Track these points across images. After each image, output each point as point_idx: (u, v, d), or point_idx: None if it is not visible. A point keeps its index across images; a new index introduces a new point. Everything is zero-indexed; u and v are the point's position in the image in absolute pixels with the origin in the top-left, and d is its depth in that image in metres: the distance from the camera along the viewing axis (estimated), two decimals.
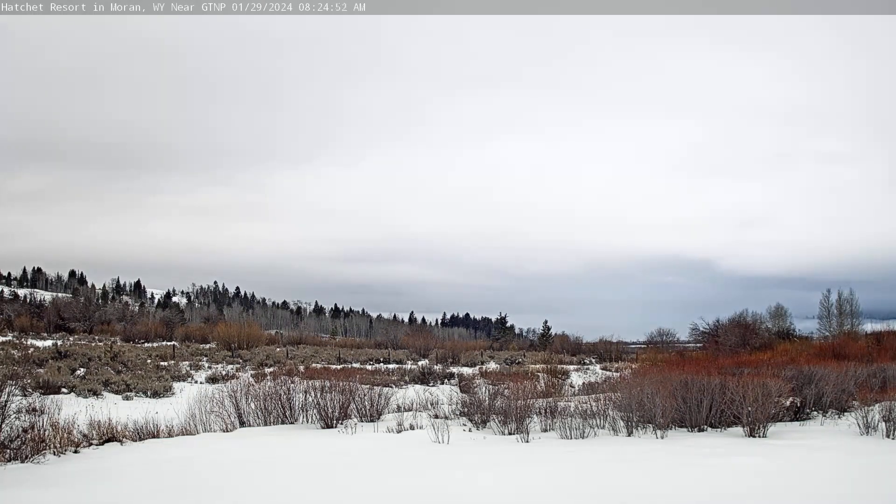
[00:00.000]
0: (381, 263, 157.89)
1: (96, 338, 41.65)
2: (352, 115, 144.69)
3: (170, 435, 12.08)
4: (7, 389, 9.89)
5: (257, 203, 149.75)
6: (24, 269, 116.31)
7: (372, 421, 13.32)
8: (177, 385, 23.43)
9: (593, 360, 40.81)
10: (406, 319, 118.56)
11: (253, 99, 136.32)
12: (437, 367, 31.45)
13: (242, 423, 13.29)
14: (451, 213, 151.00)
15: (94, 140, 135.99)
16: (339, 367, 27.82)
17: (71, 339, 39.31)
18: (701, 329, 43.60)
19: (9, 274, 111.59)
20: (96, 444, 10.66)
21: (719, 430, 11.92)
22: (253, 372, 27.30)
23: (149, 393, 21.48)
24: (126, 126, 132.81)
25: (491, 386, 17.10)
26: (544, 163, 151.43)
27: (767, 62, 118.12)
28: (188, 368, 28.48)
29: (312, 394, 13.31)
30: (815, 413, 14.05)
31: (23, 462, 8.97)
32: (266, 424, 13.26)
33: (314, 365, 30.01)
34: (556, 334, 54.93)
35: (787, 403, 13.21)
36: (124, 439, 11.16)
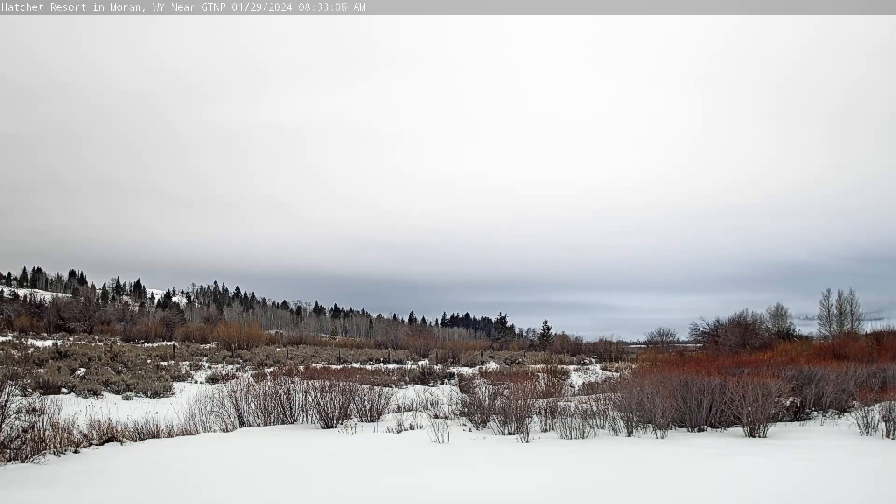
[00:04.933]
0: (382, 262, 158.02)
1: (96, 338, 41.67)
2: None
3: (170, 435, 12.08)
4: (7, 389, 9.90)
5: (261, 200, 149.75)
6: (24, 269, 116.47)
7: (372, 421, 13.31)
8: (177, 385, 23.42)
9: (593, 360, 40.80)
10: (406, 319, 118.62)
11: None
12: (437, 367, 31.44)
13: (242, 423, 13.30)
14: (452, 210, 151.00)
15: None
16: (339, 367, 27.81)
17: (71, 339, 39.33)
18: (701, 329, 43.62)
19: (9, 274, 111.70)
20: (96, 444, 10.66)
21: (719, 430, 11.91)
22: (253, 372, 27.29)
23: (149, 393, 21.48)
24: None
25: (491, 386, 17.09)
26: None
27: None
28: (188, 368, 28.48)
29: (312, 394, 13.30)
30: (815, 413, 14.05)
31: (23, 462, 8.98)
32: (266, 424, 13.26)
33: (314, 365, 30.00)
34: (556, 334, 54.94)
35: (787, 403, 13.21)
36: (124, 439, 11.16)
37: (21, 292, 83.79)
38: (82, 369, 24.45)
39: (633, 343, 56.24)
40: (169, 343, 40.35)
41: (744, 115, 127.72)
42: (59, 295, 79.12)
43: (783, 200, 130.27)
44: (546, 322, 57.66)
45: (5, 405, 9.53)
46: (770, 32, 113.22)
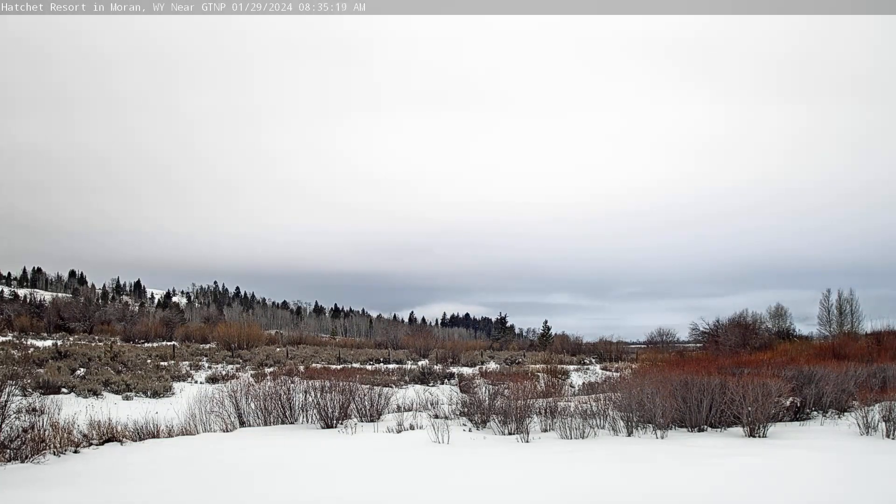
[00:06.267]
0: (382, 262, 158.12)
1: (96, 338, 41.66)
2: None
3: (170, 435, 12.08)
4: (7, 389, 9.90)
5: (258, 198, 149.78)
6: (24, 269, 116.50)
7: (372, 421, 13.32)
8: (177, 385, 23.43)
9: (593, 360, 40.81)
10: (406, 319, 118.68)
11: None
12: (437, 367, 31.45)
13: (242, 423, 13.30)
14: (453, 211, 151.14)
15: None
16: (339, 367, 27.81)
17: (71, 339, 39.31)
18: (701, 329, 43.64)
19: (9, 274, 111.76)
20: (96, 444, 10.66)
21: (719, 430, 11.91)
22: (253, 372, 27.29)
23: (149, 393, 21.47)
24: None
25: (491, 386, 17.10)
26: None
27: None
28: (188, 368, 28.48)
29: (312, 394, 13.30)
30: (815, 413, 14.05)
31: (23, 462, 8.98)
32: (266, 424, 13.26)
33: (314, 365, 30.01)
34: (556, 334, 54.95)
35: (787, 403, 13.21)
36: (124, 439, 11.16)
37: (21, 292, 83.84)
38: (82, 369, 24.44)
39: (633, 343, 56.29)
40: (169, 343, 40.35)
41: (757, 117, 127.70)
42: (59, 295, 79.12)
43: (791, 200, 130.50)
44: (546, 322, 57.78)
45: (5, 405, 9.53)
46: (787, 31, 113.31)
